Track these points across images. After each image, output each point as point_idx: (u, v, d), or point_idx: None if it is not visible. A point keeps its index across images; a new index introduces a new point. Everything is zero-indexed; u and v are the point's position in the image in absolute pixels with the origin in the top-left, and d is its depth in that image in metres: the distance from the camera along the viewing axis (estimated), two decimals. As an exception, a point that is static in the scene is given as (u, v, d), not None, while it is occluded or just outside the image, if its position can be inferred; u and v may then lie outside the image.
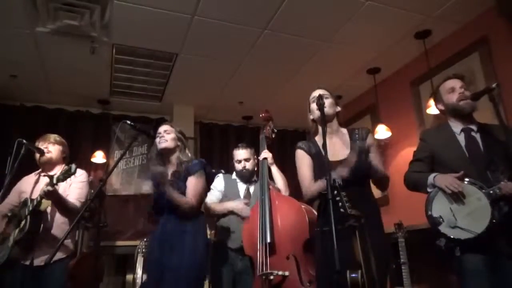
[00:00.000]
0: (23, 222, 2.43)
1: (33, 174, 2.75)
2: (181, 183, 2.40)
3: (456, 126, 2.20)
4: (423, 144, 2.29)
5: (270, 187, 2.57)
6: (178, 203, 2.32)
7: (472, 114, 2.19)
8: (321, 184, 1.95)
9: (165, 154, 2.51)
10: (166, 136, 2.49)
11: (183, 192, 2.37)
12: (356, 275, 1.59)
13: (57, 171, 2.65)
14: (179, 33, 3.58)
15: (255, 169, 2.99)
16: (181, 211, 2.34)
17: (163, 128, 2.53)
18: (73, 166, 2.30)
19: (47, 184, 2.33)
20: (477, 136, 2.13)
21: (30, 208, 2.41)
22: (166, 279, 2.25)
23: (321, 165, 2.00)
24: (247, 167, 2.97)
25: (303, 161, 2.17)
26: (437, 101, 2.31)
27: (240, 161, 2.99)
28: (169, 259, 2.28)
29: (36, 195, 2.51)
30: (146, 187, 2.46)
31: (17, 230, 2.45)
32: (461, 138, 2.15)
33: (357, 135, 2.17)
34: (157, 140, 2.50)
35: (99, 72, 4.23)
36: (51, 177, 2.36)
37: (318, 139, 2.17)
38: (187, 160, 2.47)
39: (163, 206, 2.38)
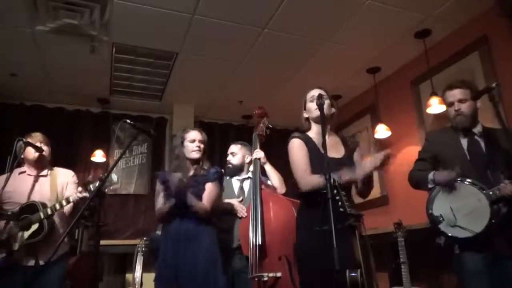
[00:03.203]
0: (35, 226, 2.46)
1: (16, 173, 2.61)
2: (200, 186, 2.48)
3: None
4: (427, 144, 2.36)
5: (263, 186, 2.56)
6: (198, 210, 2.39)
7: (477, 117, 2.21)
8: (320, 180, 1.90)
9: (193, 161, 2.57)
10: (201, 146, 2.56)
11: (201, 195, 2.45)
12: (356, 275, 1.59)
13: (46, 172, 2.72)
14: (179, 32, 3.58)
15: (243, 164, 2.96)
16: (198, 215, 2.40)
17: (197, 137, 2.58)
18: (115, 176, 2.48)
19: (83, 191, 2.47)
20: (481, 140, 2.16)
21: (49, 212, 2.47)
22: (183, 280, 2.28)
23: (319, 162, 1.99)
24: (230, 160, 2.97)
25: (301, 149, 2.08)
26: (444, 103, 2.38)
27: (227, 155, 3.01)
28: (184, 260, 2.31)
29: (35, 197, 2.55)
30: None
31: (27, 233, 2.46)
32: (464, 141, 2.18)
33: (349, 143, 2.19)
34: (190, 147, 2.55)
35: (99, 71, 4.23)
36: (85, 184, 2.50)
37: (311, 135, 2.16)
38: (206, 168, 2.56)
39: (180, 210, 2.42)
